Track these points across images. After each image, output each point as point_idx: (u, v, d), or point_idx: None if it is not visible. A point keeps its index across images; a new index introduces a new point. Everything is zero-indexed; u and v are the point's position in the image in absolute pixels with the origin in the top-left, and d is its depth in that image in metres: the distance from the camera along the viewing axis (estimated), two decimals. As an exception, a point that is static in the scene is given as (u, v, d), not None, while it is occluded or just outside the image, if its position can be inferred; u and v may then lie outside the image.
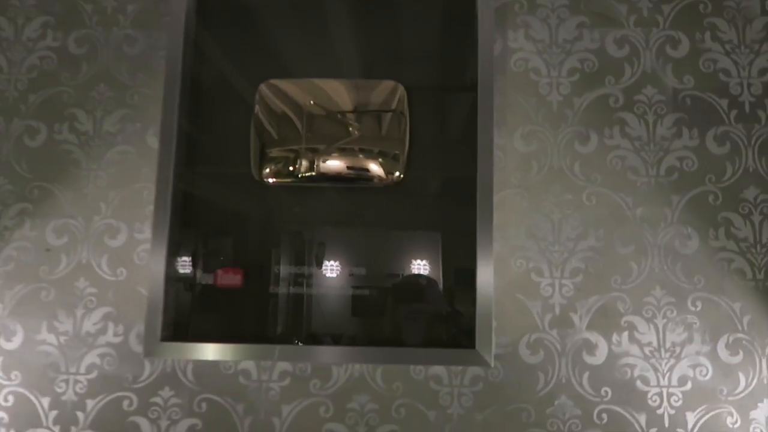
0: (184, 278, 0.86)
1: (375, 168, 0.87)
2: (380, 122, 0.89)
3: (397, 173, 0.87)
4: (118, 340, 0.87)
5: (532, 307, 0.86)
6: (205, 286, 0.85)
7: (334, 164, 0.87)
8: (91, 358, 0.86)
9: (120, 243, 0.89)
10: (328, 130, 0.88)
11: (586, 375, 0.84)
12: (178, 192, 0.88)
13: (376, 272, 0.85)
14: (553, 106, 0.91)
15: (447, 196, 0.89)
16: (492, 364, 0.83)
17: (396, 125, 0.88)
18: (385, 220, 0.89)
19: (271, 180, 0.88)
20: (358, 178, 0.87)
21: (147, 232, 0.88)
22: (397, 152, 0.87)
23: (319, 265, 0.85)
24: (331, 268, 0.86)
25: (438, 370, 0.85)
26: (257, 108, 0.89)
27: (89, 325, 0.87)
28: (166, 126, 0.89)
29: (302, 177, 0.87)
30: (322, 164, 0.87)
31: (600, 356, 0.85)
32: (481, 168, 0.87)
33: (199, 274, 0.85)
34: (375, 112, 0.89)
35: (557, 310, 0.86)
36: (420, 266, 0.86)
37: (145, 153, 0.91)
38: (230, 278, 0.84)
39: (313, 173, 0.87)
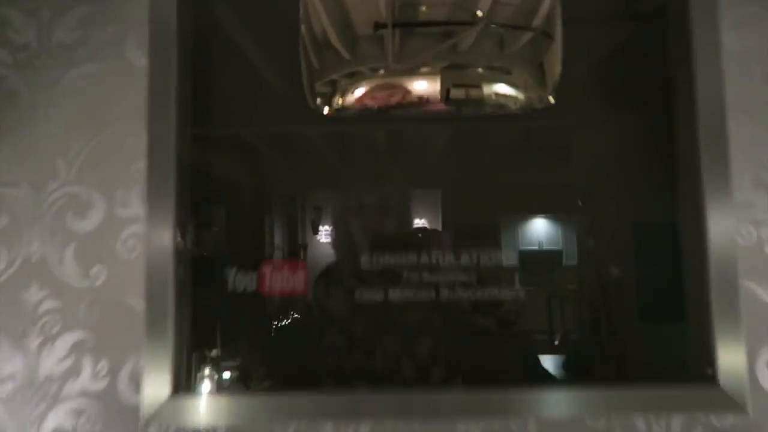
0: (206, 280, 0.51)
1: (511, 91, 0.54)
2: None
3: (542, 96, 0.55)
4: (99, 385, 0.53)
5: (773, 300, 0.53)
6: (244, 293, 0.49)
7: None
8: (57, 417, 0.53)
9: (93, 225, 0.55)
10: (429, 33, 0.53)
11: None
12: (185, 137, 0.53)
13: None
14: (783, -25, 0.57)
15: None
16: (750, 411, 0.49)
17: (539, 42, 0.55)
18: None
19: (326, 109, 0.55)
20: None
21: (136, 205, 0.54)
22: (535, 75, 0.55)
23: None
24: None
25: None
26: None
27: (50, 364, 0.54)
28: (160, 30, 0.54)
29: (389, 106, 0.53)
30: (415, 89, 0.53)
31: None
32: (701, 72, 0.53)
33: (233, 274, 0.49)
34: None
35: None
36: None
37: (125, 74, 0.56)
38: (285, 278, 0.48)
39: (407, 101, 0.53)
